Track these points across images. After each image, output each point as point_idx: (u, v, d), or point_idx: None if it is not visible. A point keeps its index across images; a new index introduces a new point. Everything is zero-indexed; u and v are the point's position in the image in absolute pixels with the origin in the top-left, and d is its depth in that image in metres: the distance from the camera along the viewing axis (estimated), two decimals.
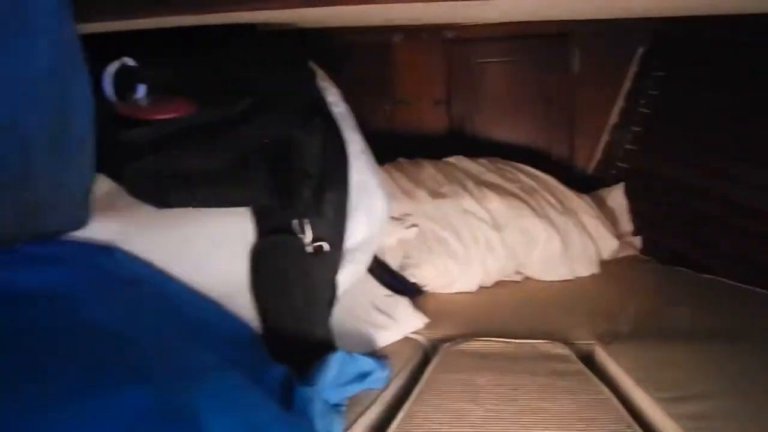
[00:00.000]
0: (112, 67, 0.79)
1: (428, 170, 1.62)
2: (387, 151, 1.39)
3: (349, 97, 1.09)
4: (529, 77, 1.94)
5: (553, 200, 1.59)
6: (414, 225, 1.47)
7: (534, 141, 1.97)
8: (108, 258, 0.72)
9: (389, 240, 1.44)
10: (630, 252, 1.66)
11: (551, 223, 1.51)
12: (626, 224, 1.75)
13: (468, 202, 1.49)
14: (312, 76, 0.98)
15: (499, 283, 1.49)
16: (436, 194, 1.51)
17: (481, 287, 1.46)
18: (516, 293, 1.46)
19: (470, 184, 1.55)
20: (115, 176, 0.75)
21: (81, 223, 0.73)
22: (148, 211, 0.79)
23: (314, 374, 0.83)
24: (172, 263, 0.81)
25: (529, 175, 1.66)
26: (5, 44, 0.55)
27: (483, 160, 1.70)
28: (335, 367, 0.86)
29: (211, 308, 0.82)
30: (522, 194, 1.56)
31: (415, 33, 1.88)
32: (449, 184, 1.55)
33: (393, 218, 1.42)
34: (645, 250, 1.68)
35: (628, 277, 1.51)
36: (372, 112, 1.87)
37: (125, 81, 0.80)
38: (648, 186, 1.74)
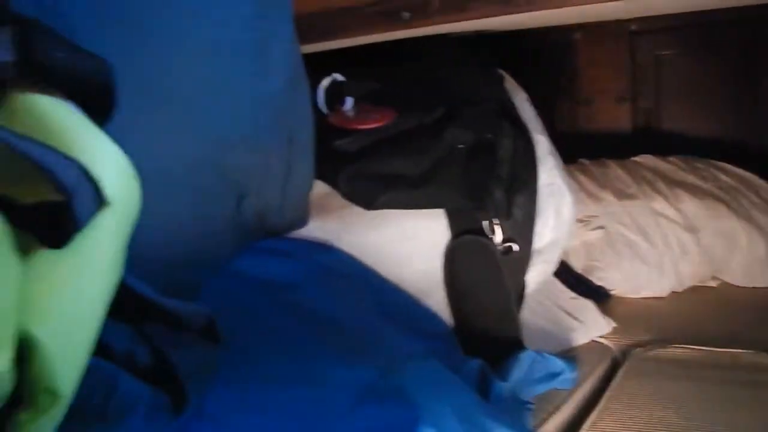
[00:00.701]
0: (325, 83, 0.88)
1: (614, 171, 1.56)
2: (569, 152, 1.37)
3: (532, 99, 1.11)
4: (722, 68, 1.79)
5: (756, 200, 1.46)
6: (600, 227, 1.43)
7: (731, 136, 1.82)
8: (325, 254, 0.82)
9: (573, 242, 1.42)
10: None
11: (755, 224, 1.39)
12: None
13: (659, 203, 1.42)
14: (501, 80, 1.01)
15: (693, 289, 1.40)
16: (623, 195, 1.46)
17: (673, 292, 1.39)
18: (713, 299, 1.37)
19: (660, 184, 1.48)
20: (329, 180, 0.85)
21: (302, 223, 0.83)
22: (356, 213, 0.88)
23: (505, 370, 0.86)
24: (375, 260, 0.90)
25: (727, 173, 1.54)
26: (252, 63, 0.66)
27: (674, 159, 1.60)
28: (526, 364, 0.88)
29: (411, 303, 0.89)
30: (720, 194, 1.45)
31: (596, 29, 1.83)
32: (637, 185, 1.49)
33: (577, 220, 1.40)
34: None
35: None
36: (553, 113, 1.85)
37: (334, 94, 0.89)
38: None
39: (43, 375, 0.39)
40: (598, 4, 0.89)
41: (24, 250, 0.37)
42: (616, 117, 1.91)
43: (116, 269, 0.43)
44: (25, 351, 0.39)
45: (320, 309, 0.70)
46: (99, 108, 0.40)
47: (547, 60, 1.87)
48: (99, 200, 0.37)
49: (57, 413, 0.42)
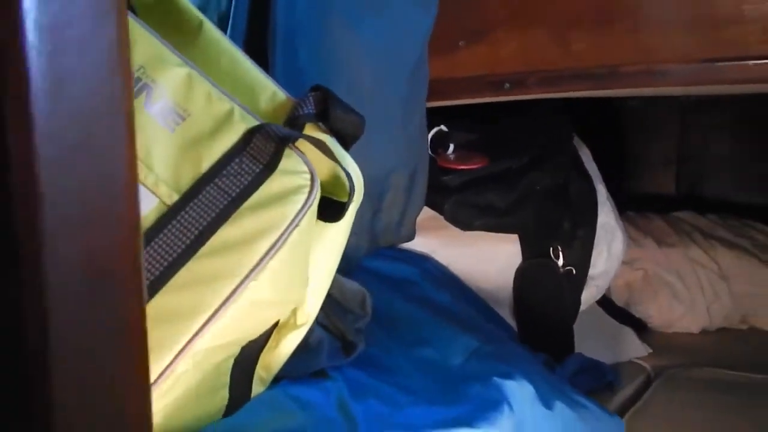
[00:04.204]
0: (432, 132, 1.15)
1: (656, 222, 1.77)
2: (617, 207, 1.59)
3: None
4: (765, 142, 1.99)
5: None
6: (641, 269, 1.64)
7: None
8: (428, 262, 1.08)
9: (617, 281, 1.63)
10: None
11: None
12: None
13: (695, 252, 1.63)
14: (570, 137, 1.27)
15: (722, 329, 1.60)
16: (663, 243, 1.67)
17: (705, 330, 1.59)
18: (741, 337, 1.56)
19: (698, 236, 1.69)
20: (435, 207, 1.10)
21: (411, 238, 1.08)
22: (451, 234, 1.13)
23: (562, 365, 1.09)
24: (461, 272, 1.15)
25: (760, 232, 1.74)
26: (403, 114, 0.92)
27: (712, 216, 1.81)
28: (578, 362, 1.10)
29: (489, 309, 1.13)
30: (752, 248, 1.66)
31: (650, 98, 2.05)
32: (677, 235, 1.70)
33: (622, 263, 1.61)
34: None
35: None
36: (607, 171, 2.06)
37: (440, 141, 1.16)
38: None
39: (304, 300, 0.64)
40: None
41: None
42: (662, 179, 2.11)
43: (346, 240, 0.68)
44: None
45: (434, 299, 0.95)
46: (348, 141, 0.66)
47: (605, 123, 2.08)
48: (352, 196, 0.63)
49: (304, 330, 0.67)
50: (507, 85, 1.03)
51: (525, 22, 1.01)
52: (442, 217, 1.11)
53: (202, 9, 0.86)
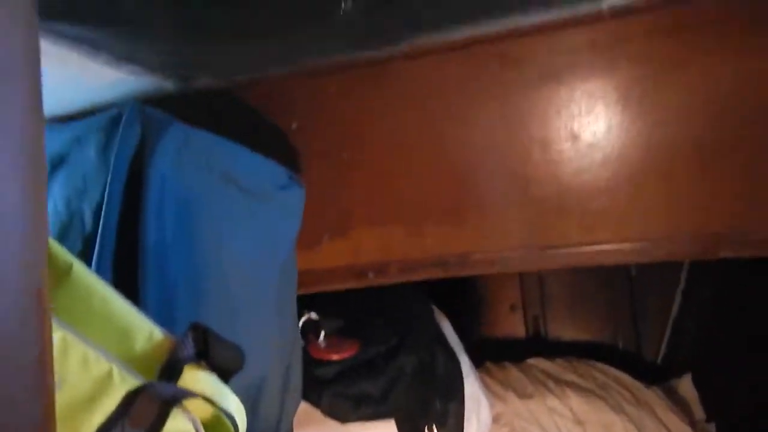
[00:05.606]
0: (302, 320, 1.16)
1: (513, 373, 1.88)
2: (476, 353, 1.67)
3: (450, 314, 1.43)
4: (592, 284, 2.23)
5: (626, 394, 1.81)
6: (507, 424, 1.71)
7: (602, 338, 2.21)
8: None
9: None
10: None
11: (628, 417, 1.73)
12: (699, 412, 1.92)
13: (552, 401, 1.74)
14: (432, 312, 1.34)
15: None
16: (523, 395, 1.77)
17: None
18: None
19: (551, 384, 1.81)
20: (311, 400, 1.09)
21: None
22: (328, 427, 1.11)
23: None
24: None
25: (601, 372, 1.90)
26: (279, 317, 0.93)
27: (560, 360, 1.96)
28: None
29: None
30: (598, 391, 1.80)
31: None
32: (533, 385, 1.81)
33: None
34: None
35: None
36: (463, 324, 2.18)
37: (309, 329, 1.17)
38: (715, 374, 1.92)
39: None
40: None
41: None
42: (510, 324, 2.27)
43: None
44: None
45: None
46: (229, 376, 0.65)
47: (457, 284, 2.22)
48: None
49: None
50: (371, 274, 1.09)
51: (383, 219, 1.09)
52: (319, 411, 1.09)
53: (65, 231, 0.84)
